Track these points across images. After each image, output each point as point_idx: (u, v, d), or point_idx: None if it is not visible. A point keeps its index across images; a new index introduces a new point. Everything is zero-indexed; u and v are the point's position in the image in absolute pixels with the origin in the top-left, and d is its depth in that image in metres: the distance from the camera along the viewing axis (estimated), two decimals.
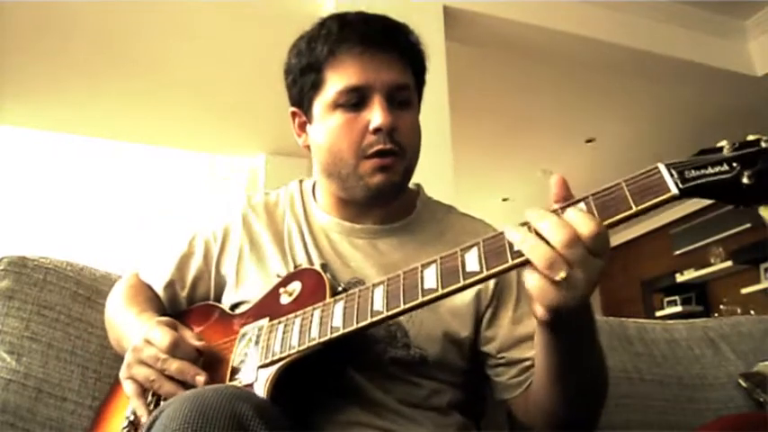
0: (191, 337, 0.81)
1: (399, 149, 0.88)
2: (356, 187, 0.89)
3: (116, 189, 5.14)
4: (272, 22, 3.04)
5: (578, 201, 0.63)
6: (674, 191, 0.59)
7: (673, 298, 6.14)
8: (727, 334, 1.52)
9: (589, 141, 4.91)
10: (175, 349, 0.77)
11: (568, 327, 0.68)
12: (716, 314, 5.56)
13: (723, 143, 0.61)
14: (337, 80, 0.88)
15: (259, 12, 3.00)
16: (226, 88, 3.67)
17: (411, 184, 1.02)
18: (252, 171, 4.90)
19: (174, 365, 0.76)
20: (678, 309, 5.96)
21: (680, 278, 6.08)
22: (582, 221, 0.60)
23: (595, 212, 0.61)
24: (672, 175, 0.59)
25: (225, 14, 3.05)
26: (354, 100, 0.87)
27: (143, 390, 0.79)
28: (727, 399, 1.39)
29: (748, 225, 5.38)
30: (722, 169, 0.59)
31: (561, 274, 0.59)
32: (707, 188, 0.59)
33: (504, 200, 5.82)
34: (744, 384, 1.40)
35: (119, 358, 0.97)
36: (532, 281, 0.62)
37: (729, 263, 5.56)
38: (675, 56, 3.43)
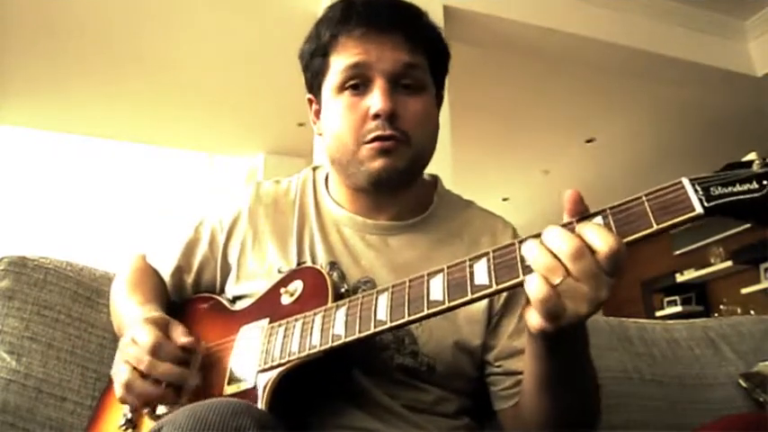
0: (180, 333, 0.77)
1: (402, 136, 0.84)
2: (357, 174, 0.87)
3: (116, 189, 5.15)
4: (271, 22, 3.04)
5: (596, 214, 0.60)
6: (699, 210, 0.54)
7: (673, 298, 6.14)
8: (727, 334, 1.52)
9: (589, 141, 4.91)
10: (158, 350, 0.73)
11: (562, 341, 0.66)
12: (716, 314, 5.57)
13: (752, 156, 0.57)
14: (340, 61, 0.86)
15: (259, 12, 3.00)
16: (225, 88, 3.68)
17: (428, 176, 1.00)
18: (251, 170, 4.90)
19: (159, 369, 0.73)
20: (678, 309, 5.97)
21: (680, 278, 6.08)
22: (598, 237, 0.58)
23: (613, 228, 0.58)
24: (696, 192, 0.55)
25: (225, 15, 3.05)
26: (356, 81, 0.85)
27: (130, 390, 0.75)
28: (727, 399, 1.39)
29: (748, 225, 5.36)
30: (751, 187, 0.54)
31: (556, 280, 0.58)
32: (733, 207, 0.55)
33: (505, 200, 5.82)
34: (744, 384, 1.40)
35: None
36: (532, 284, 0.59)
37: (729, 263, 5.57)
38: (675, 56, 3.43)
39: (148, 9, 3.06)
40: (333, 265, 0.88)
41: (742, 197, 0.55)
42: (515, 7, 3.04)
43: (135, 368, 0.74)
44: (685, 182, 0.56)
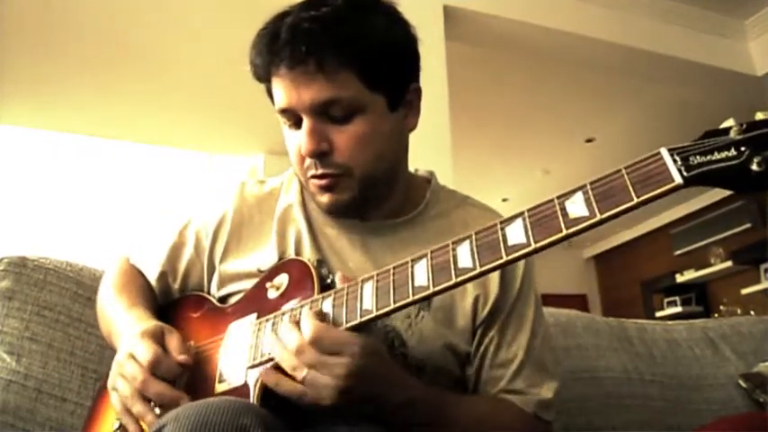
0: (176, 348, 0.76)
1: (339, 169, 0.81)
2: (315, 202, 0.88)
3: (116, 189, 5.14)
4: None
5: (576, 190, 0.60)
6: (678, 180, 0.54)
7: (673, 298, 6.14)
8: (727, 334, 1.52)
9: (589, 141, 4.91)
10: (157, 367, 0.72)
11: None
12: (716, 314, 5.56)
13: (730, 123, 0.56)
14: (275, 99, 0.84)
15: (259, 13, 2.99)
16: (225, 88, 3.66)
17: (424, 172, 0.99)
18: (251, 170, 4.90)
19: (152, 388, 0.71)
20: (678, 309, 5.96)
21: (680, 278, 6.08)
22: (304, 327, 0.67)
23: (594, 203, 0.57)
24: (675, 162, 0.54)
25: (225, 15, 3.05)
26: (291, 119, 0.83)
27: (127, 407, 0.75)
28: (727, 399, 1.39)
29: (748, 225, 5.38)
30: (729, 154, 0.53)
31: (299, 375, 0.67)
32: (713, 176, 0.54)
33: (504, 200, 5.82)
34: (744, 385, 1.40)
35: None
36: (286, 386, 0.68)
37: (729, 263, 5.56)
38: (675, 56, 3.43)
39: (149, 9, 3.06)
40: (320, 262, 0.87)
41: (721, 165, 0.54)
42: (515, 7, 3.03)
43: (131, 384, 0.73)
44: (664, 152, 0.56)
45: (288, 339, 0.69)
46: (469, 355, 0.86)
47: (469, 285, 0.84)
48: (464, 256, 0.64)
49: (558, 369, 0.90)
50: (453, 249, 0.65)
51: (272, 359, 0.72)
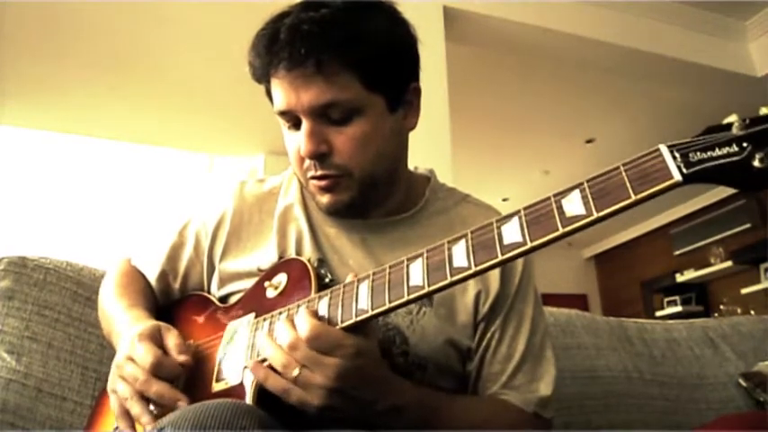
0: (175, 347, 0.76)
1: (339, 170, 0.81)
2: (315, 202, 0.88)
3: (116, 189, 5.15)
4: None
5: (574, 188, 0.58)
6: (677, 177, 0.52)
7: (673, 298, 6.15)
8: (727, 334, 1.52)
9: (589, 142, 4.91)
10: (158, 369, 0.72)
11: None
12: (716, 314, 5.56)
13: (733, 118, 0.54)
14: (274, 101, 0.83)
15: (259, 13, 2.99)
16: (225, 89, 3.67)
17: (424, 170, 0.99)
18: (251, 171, 4.90)
19: (153, 389, 0.71)
20: (678, 309, 5.97)
21: (680, 278, 6.09)
22: (300, 325, 0.67)
23: (591, 200, 0.56)
24: (675, 158, 0.53)
25: (225, 16, 3.05)
26: (291, 121, 0.82)
27: (125, 409, 0.75)
28: (727, 399, 1.39)
29: (748, 225, 5.38)
30: (731, 150, 0.52)
31: (292, 373, 0.66)
32: (714, 173, 0.52)
33: (504, 200, 5.83)
34: (744, 384, 1.40)
35: None
36: (273, 382, 0.68)
37: (729, 263, 5.57)
38: (676, 56, 3.43)
39: (148, 10, 3.06)
40: (321, 262, 0.87)
41: (722, 161, 0.52)
42: (515, 7, 3.04)
43: (131, 385, 0.73)
44: (663, 149, 0.55)
45: (282, 336, 0.68)
46: (470, 350, 0.86)
47: (470, 281, 0.84)
48: (459, 255, 0.63)
49: (555, 365, 0.90)
50: (449, 248, 0.64)
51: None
